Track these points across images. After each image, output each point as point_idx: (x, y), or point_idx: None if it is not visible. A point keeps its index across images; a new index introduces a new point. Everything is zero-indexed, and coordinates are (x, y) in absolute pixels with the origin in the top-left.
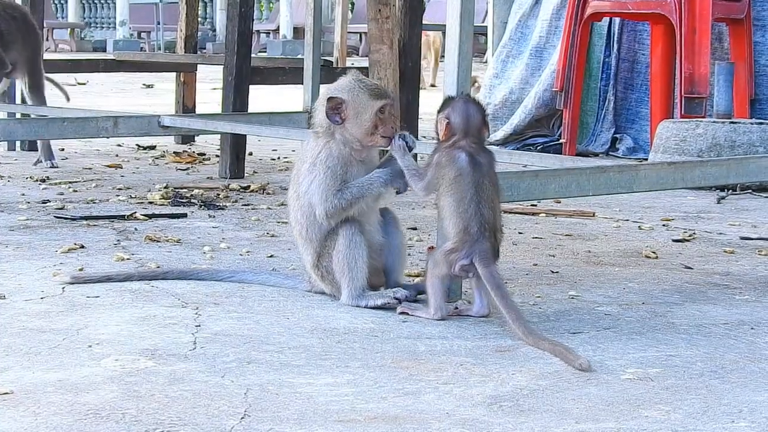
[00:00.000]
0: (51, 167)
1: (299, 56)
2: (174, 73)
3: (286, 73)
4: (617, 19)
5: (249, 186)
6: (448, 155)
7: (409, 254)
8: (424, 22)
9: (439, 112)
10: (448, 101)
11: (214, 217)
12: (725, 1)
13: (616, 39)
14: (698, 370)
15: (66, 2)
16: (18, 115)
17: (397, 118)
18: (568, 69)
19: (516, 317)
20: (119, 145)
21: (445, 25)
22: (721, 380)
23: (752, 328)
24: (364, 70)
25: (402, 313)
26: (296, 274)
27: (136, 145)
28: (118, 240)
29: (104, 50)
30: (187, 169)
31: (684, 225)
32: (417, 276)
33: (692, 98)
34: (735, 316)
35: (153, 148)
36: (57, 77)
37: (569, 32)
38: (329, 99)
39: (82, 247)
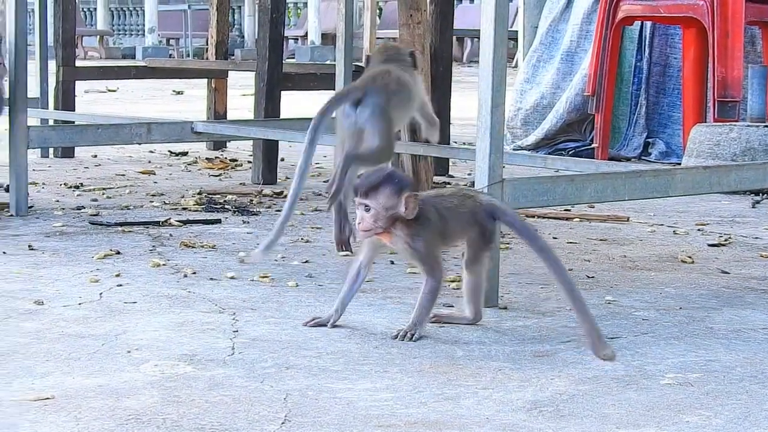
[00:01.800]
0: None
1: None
2: (203, 80)
3: (317, 79)
4: (649, 23)
5: (282, 192)
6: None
7: (444, 259)
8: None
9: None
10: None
11: (248, 222)
12: (758, 3)
13: (647, 43)
14: (738, 375)
15: (95, 10)
16: (51, 122)
17: None
18: (599, 73)
19: (558, 267)
20: (151, 152)
21: (476, 30)
22: (761, 385)
23: None
24: None
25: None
26: None
27: (169, 151)
28: (153, 246)
29: (133, 57)
30: (220, 175)
31: (719, 229)
32: (452, 281)
33: (725, 102)
34: None
35: (185, 154)
36: (87, 85)
37: (600, 36)
38: None
39: (118, 253)
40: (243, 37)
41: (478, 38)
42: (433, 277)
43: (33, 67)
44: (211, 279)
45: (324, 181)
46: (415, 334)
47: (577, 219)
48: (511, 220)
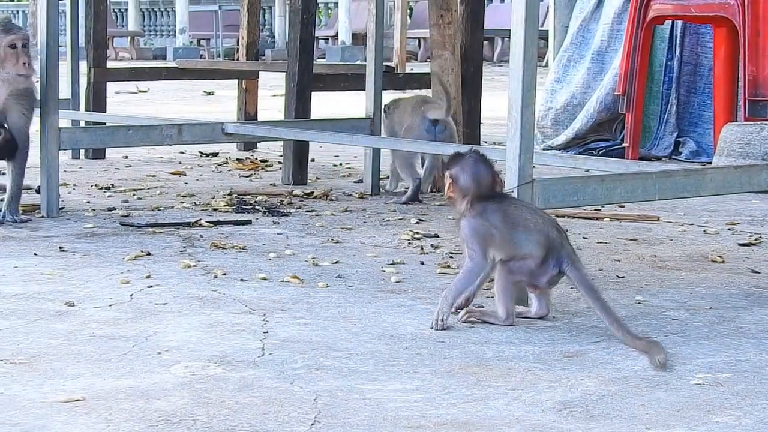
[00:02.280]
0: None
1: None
2: (234, 80)
3: (348, 80)
4: (679, 22)
5: (312, 192)
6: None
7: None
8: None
9: (449, 168)
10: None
11: (278, 223)
12: None
13: (678, 42)
14: None
15: (126, 11)
16: (82, 123)
17: None
18: (630, 72)
19: (613, 319)
20: (182, 153)
21: (506, 30)
22: None
23: None
24: (425, 76)
25: (469, 319)
26: None
27: (199, 152)
28: (184, 247)
29: (164, 58)
30: (250, 175)
31: (750, 229)
32: None
33: (756, 101)
34: None
35: (215, 155)
36: (118, 86)
37: (631, 36)
38: None
39: (149, 254)
40: (274, 37)
41: (509, 38)
42: (471, 259)
43: (64, 68)
44: (242, 280)
45: (355, 181)
46: (438, 319)
47: (608, 219)
48: (577, 279)
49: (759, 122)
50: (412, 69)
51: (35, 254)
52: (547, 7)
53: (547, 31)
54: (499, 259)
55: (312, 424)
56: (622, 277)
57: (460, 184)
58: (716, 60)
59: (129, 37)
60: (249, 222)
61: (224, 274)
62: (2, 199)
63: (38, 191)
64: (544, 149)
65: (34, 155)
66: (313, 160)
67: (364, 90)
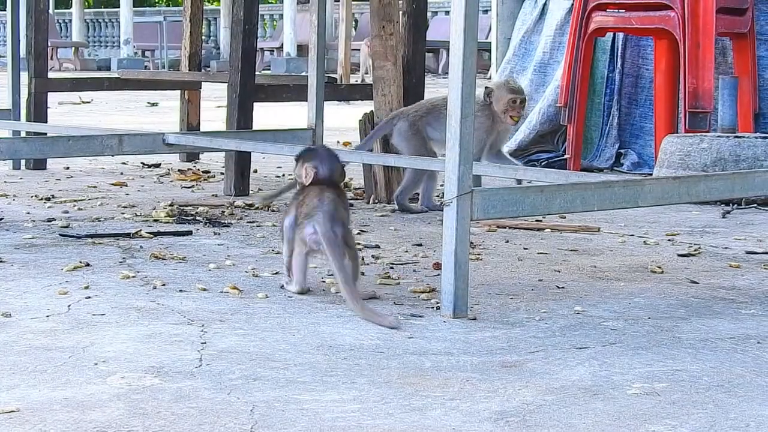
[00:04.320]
0: None
1: (303, 73)
2: (178, 91)
3: (291, 91)
4: (621, 35)
5: (254, 203)
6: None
7: (414, 270)
8: (427, 38)
9: (302, 160)
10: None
11: (219, 234)
12: (729, 15)
13: (619, 54)
14: (705, 384)
15: (70, 21)
16: (23, 134)
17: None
18: (572, 84)
19: (346, 280)
20: (124, 163)
21: (448, 42)
22: (728, 394)
23: (759, 343)
24: (368, 87)
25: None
26: None
27: (141, 163)
28: (123, 258)
29: (108, 69)
30: (192, 186)
31: (689, 239)
32: (422, 292)
33: (696, 113)
34: (741, 330)
35: (158, 165)
36: (61, 96)
37: (573, 48)
38: None
39: (88, 265)
40: (219, 49)
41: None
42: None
43: (5, 78)
44: (181, 291)
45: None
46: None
47: (549, 229)
48: (322, 232)
49: (699, 134)
50: (356, 80)
51: None
52: (490, 19)
53: (490, 43)
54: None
55: None
56: (562, 287)
57: (320, 175)
58: (657, 72)
59: (73, 48)
60: (189, 233)
61: (163, 284)
62: None
63: None
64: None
65: None
66: (255, 171)
67: (306, 101)
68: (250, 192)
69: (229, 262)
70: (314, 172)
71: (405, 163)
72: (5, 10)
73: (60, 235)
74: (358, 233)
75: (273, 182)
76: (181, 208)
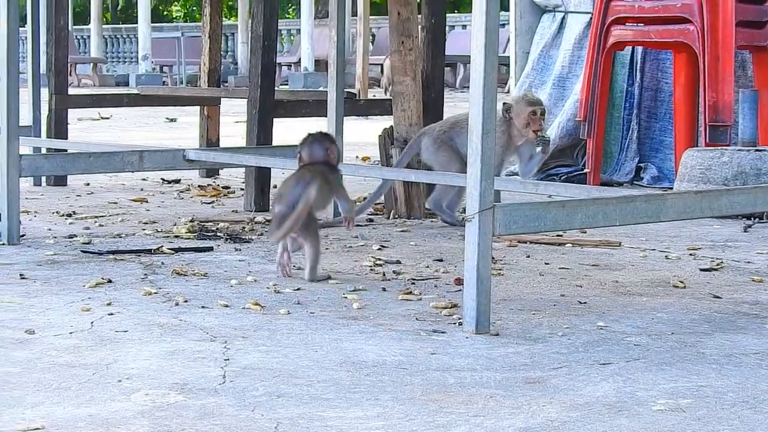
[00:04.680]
0: None
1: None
2: (196, 107)
3: (310, 106)
4: (639, 48)
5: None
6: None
7: (436, 286)
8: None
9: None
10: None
11: (240, 250)
12: (748, 28)
13: (638, 68)
14: (730, 400)
15: (89, 37)
16: (43, 150)
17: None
18: (591, 98)
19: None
20: (144, 179)
21: (468, 56)
22: (753, 410)
23: None
24: (387, 102)
25: None
26: None
27: (161, 179)
28: (145, 274)
29: (126, 84)
30: (212, 202)
31: (711, 254)
32: (444, 308)
33: (716, 126)
34: (766, 345)
35: (178, 181)
36: (81, 112)
37: (592, 61)
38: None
39: (110, 281)
40: (236, 64)
41: (470, 64)
42: None
43: (25, 95)
44: (203, 307)
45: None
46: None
47: (570, 244)
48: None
49: (719, 147)
50: (374, 95)
51: None
52: (509, 33)
53: (509, 57)
54: None
55: None
56: (584, 302)
57: (304, 159)
58: (676, 86)
59: (91, 64)
60: (210, 249)
61: (185, 301)
62: None
63: None
64: (507, 175)
65: None
66: (275, 187)
67: (326, 116)
68: (270, 207)
69: (251, 278)
70: (299, 157)
71: (426, 179)
72: (25, 27)
73: (82, 251)
74: (379, 249)
75: None
76: (202, 224)
